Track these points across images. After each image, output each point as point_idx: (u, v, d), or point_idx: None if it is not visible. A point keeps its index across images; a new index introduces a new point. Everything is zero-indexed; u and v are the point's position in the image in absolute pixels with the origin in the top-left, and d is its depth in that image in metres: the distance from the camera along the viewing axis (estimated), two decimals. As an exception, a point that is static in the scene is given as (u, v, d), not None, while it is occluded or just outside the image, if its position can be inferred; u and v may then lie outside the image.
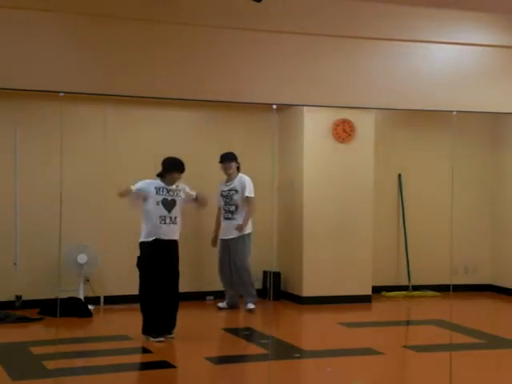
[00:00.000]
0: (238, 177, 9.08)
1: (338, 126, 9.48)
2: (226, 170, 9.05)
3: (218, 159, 9.08)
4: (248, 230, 8.99)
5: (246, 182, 9.03)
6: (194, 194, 7.65)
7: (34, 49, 7.63)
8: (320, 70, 8.61)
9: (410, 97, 9.02)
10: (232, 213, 9.00)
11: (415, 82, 8.95)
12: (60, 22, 7.73)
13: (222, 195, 9.08)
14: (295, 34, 8.42)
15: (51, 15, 7.63)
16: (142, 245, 7.41)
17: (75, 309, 8.48)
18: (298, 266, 9.47)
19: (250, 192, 8.97)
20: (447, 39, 9.03)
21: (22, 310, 8.65)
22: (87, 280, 9.01)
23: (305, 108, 9.30)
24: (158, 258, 7.36)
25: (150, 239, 7.35)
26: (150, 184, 7.46)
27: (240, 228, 8.92)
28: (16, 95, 8.40)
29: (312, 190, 9.39)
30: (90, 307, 8.70)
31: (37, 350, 6.94)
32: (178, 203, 7.48)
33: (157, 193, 7.41)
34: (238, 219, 8.96)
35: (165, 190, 7.44)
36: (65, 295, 8.51)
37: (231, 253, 8.98)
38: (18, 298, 8.81)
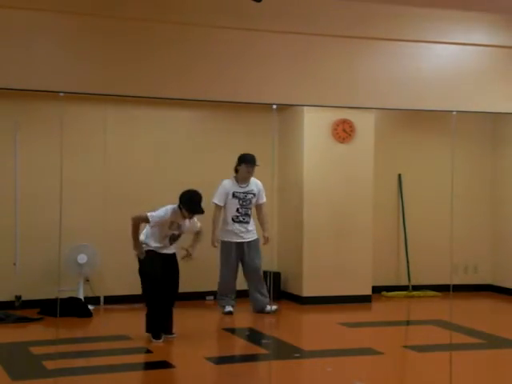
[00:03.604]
0: (252, 180, 8.90)
1: (337, 125, 9.47)
2: (249, 173, 8.77)
3: (242, 159, 8.75)
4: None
5: (262, 188, 8.92)
6: (198, 226, 7.54)
7: (34, 49, 7.64)
8: (320, 70, 8.63)
9: (410, 97, 9.04)
10: (249, 216, 8.82)
11: (415, 82, 8.96)
12: (60, 22, 7.75)
13: (235, 196, 8.78)
14: (295, 33, 8.44)
15: (51, 15, 7.65)
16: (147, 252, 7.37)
17: (75, 309, 8.48)
18: (298, 266, 9.47)
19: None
20: (447, 39, 9.05)
21: (22, 310, 8.64)
22: (87, 280, 9.00)
23: (305, 108, 9.29)
24: (161, 265, 7.36)
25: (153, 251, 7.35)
26: (166, 217, 7.22)
27: (268, 241, 8.88)
28: (16, 95, 8.40)
29: (312, 190, 9.39)
30: (90, 307, 8.70)
31: (37, 350, 6.94)
32: (182, 236, 7.45)
33: (169, 228, 7.29)
34: (250, 223, 8.85)
35: (176, 226, 7.31)
36: (65, 295, 8.51)
37: (247, 256, 8.78)
38: (18, 298, 8.81)
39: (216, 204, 8.74)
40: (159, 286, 7.29)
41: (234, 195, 8.77)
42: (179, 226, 7.33)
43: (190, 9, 8.06)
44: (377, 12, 8.66)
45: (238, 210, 8.76)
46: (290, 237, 9.66)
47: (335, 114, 9.39)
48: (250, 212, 8.85)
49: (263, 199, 8.95)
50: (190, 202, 7.25)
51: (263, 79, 8.39)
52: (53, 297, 8.31)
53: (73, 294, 8.71)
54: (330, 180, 9.43)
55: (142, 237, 7.38)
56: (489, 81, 9.20)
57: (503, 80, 9.26)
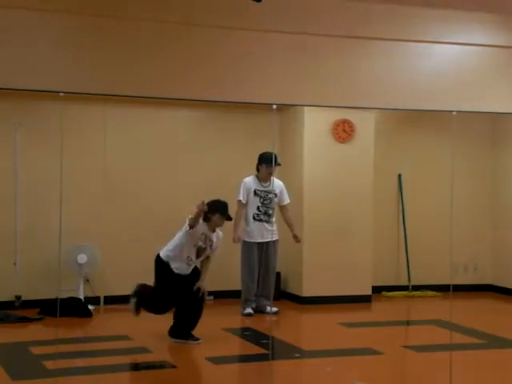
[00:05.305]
0: (273, 180, 8.86)
1: (338, 125, 9.48)
2: (269, 173, 8.74)
3: (261, 159, 8.77)
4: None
5: (284, 189, 8.92)
6: (216, 246, 7.51)
7: (34, 49, 7.62)
8: (320, 69, 8.61)
9: (410, 97, 9.01)
10: (269, 216, 8.79)
11: (415, 82, 8.94)
12: (60, 22, 7.72)
13: (256, 194, 8.79)
14: (295, 33, 8.42)
15: (51, 15, 7.63)
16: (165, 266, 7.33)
17: (75, 309, 8.48)
18: (298, 266, 9.47)
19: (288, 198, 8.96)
20: (447, 39, 9.02)
21: (22, 310, 8.65)
22: (87, 280, 9.01)
23: (305, 108, 9.30)
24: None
25: (174, 270, 7.30)
26: (199, 227, 7.26)
27: (299, 239, 8.88)
28: (16, 95, 8.39)
29: (312, 190, 9.40)
30: (90, 307, 8.70)
31: (37, 350, 6.94)
32: (207, 251, 7.42)
33: (199, 238, 7.30)
34: (272, 224, 8.81)
35: (204, 237, 7.33)
36: (65, 295, 8.50)
37: (265, 256, 8.79)
38: (18, 298, 8.81)
39: (240, 201, 8.73)
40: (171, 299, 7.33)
41: (255, 193, 8.79)
42: (206, 238, 7.32)
43: (190, 9, 8.04)
44: (377, 12, 8.64)
45: (258, 208, 8.77)
46: (289, 237, 9.63)
47: (335, 114, 9.40)
48: (271, 212, 8.82)
49: (287, 200, 8.95)
50: (222, 207, 7.34)
51: (263, 79, 8.37)
52: (53, 297, 8.30)
53: (73, 294, 8.71)
54: (330, 180, 9.44)
55: (164, 254, 7.34)
56: (489, 81, 9.18)
57: (503, 80, 9.24)
